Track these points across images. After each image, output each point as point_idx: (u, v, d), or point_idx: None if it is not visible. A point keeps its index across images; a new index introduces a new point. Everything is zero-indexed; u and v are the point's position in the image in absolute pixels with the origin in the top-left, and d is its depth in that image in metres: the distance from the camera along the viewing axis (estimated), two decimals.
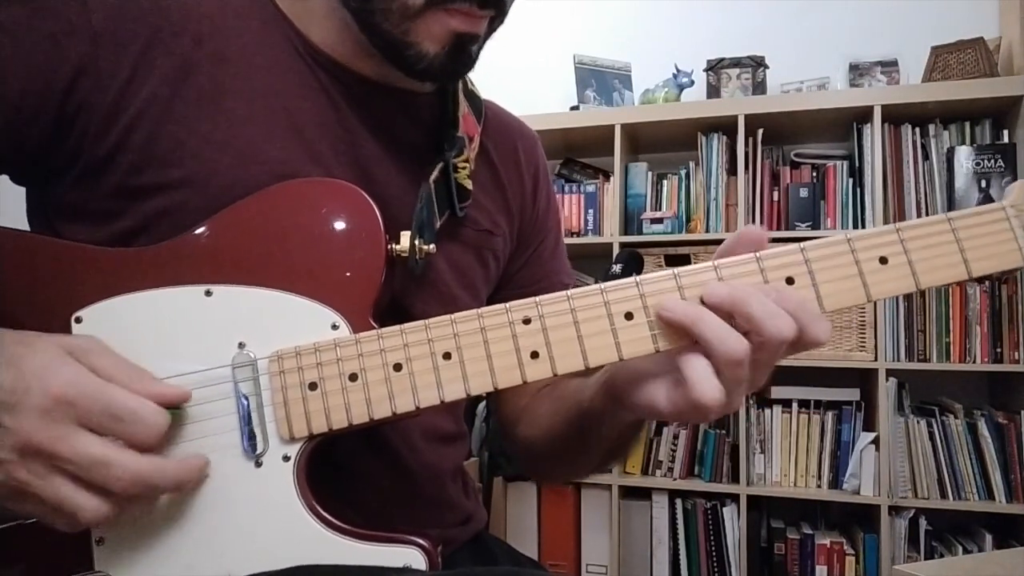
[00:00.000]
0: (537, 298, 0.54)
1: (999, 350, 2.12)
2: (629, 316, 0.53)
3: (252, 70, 0.64)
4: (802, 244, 0.54)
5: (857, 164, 2.28)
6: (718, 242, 0.60)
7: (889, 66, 2.38)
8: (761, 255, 0.53)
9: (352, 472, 0.67)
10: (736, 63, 2.46)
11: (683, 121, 2.38)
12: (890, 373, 2.15)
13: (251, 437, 0.55)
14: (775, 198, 2.36)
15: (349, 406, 0.54)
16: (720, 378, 0.51)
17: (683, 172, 2.46)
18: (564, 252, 0.89)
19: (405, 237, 0.61)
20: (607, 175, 2.53)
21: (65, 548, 0.53)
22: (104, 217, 0.61)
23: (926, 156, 2.26)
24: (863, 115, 2.26)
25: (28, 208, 0.67)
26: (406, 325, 0.55)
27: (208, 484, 0.54)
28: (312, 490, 0.55)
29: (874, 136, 2.22)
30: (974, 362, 2.14)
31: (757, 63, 2.45)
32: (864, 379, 2.26)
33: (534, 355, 0.54)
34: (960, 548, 2.12)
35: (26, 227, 0.66)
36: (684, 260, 2.23)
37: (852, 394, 2.25)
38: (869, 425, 2.20)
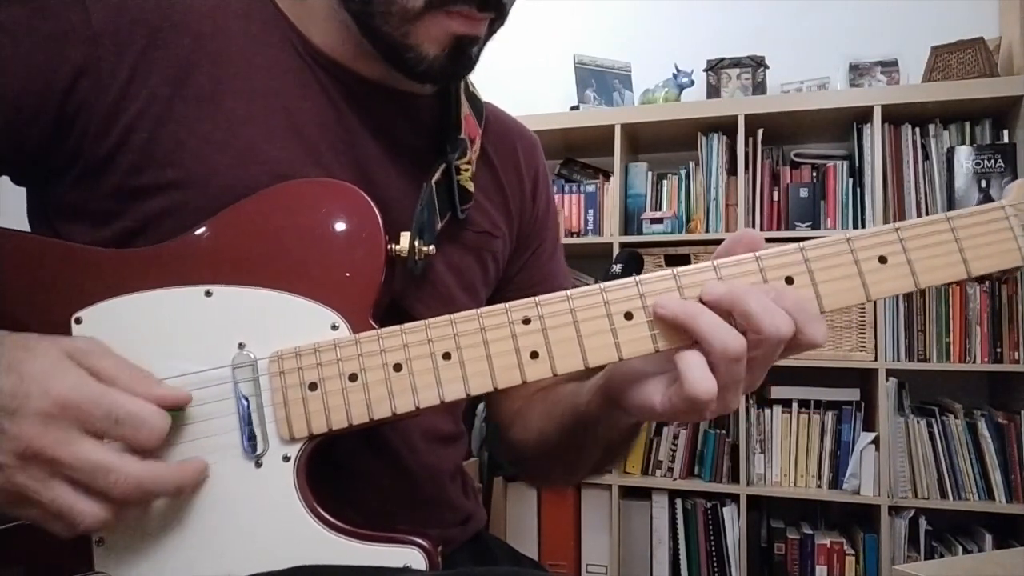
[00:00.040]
0: (537, 298, 0.54)
1: (999, 350, 2.12)
2: (629, 316, 0.53)
3: (252, 70, 0.64)
4: (801, 244, 0.54)
5: (857, 164, 2.28)
6: (718, 242, 0.60)
7: (889, 66, 2.38)
8: (760, 255, 0.53)
9: (352, 472, 0.67)
10: (736, 63, 2.46)
11: (683, 121, 2.38)
12: (890, 373, 2.15)
13: (251, 437, 0.55)
14: (775, 198, 2.36)
15: (349, 406, 0.54)
16: (716, 374, 0.50)
17: (683, 172, 2.46)
18: (562, 256, 0.89)
19: (404, 238, 0.61)
20: (607, 175, 2.53)
21: (65, 548, 0.53)
22: (104, 217, 0.61)
23: (926, 156, 2.26)
24: (863, 115, 2.26)
25: (28, 208, 0.67)
26: (406, 325, 0.55)
27: (208, 484, 0.54)
28: (312, 490, 0.55)
29: (874, 136, 2.22)
30: (974, 362, 2.14)
31: (757, 63, 2.45)
32: (864, 379, 2.26)
33: (534, 355, 0.54)
34: (960, 548, 2.12)
35: (26, 227, 0.66)
36: (684, 260, 2.23)
37: (852, 394, 2.25)
38: (869, 425, 2.20)
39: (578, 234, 2.50)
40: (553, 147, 2.58)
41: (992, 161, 2.16)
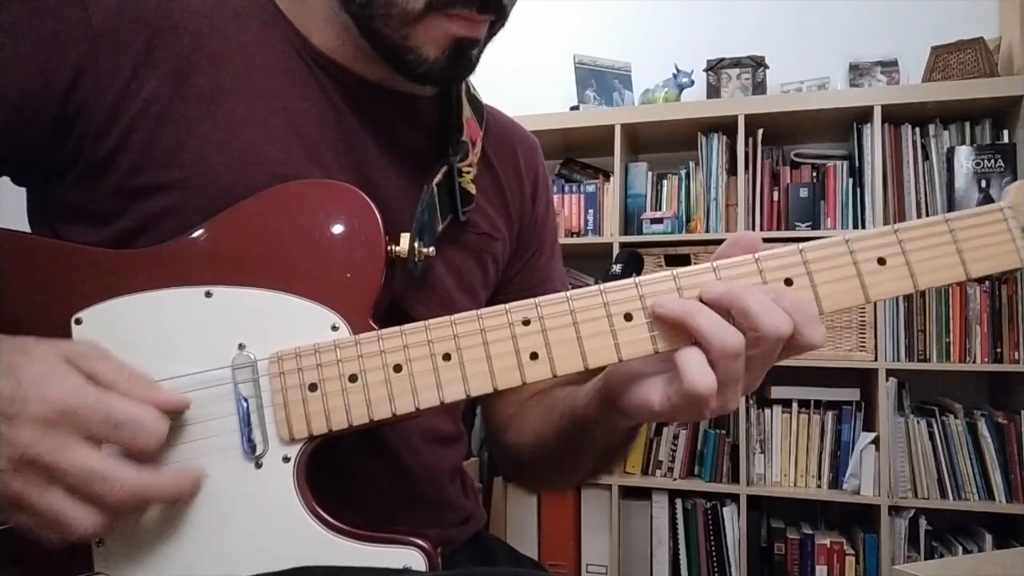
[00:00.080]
0: (536, 299, 0.54)
1: (999, 350, 2.12)
2: (628, 317, 0.53)
3: (252, 70, 0.64)
4: (800, 245, 0.54)
5: (857, 164, 2.28)
6: (718, 242, 0.60)
7: (889, 66, 2.38)
8: (760, 257, 0.54)
9: (352, 473, 0.67)
10: (736, 63, 2.46)
11: (683, 121, 2.38)
12: (890, 373, 2.15)
13: (251, 438, 0.55)
14: (775, 198, 2.36)
15: (349, 407, 0.55)
16: (714, 371, 0.50)
17: (683, 172, 2.46)
18: (560, 259, 0.89)
19: (404, 239, 0.61)
20: (607, 175, 2.53)
21: (64, 549, 0.53)
22: (104, 217, 0.61)
23: (926, 156, 2.26)
24: (863, 115, 2.26)
25: (28, 208, 0.67)
26: (406, 326, 0.55)
27: (208, 485, 0.54)
28: (312, 491, 0.55)
29: (874, 136, 2.22)
30: (974, 362, 2.14)
31: (757, 63, 2.45)
32: (864, 379, 2.25)
33: (533, 356, 0.54)
34: (960, 548, 2.12)
35: (26, 228, 0.66)
36: (684, 260, 2.23)
37: (852, 394, 2.25)
38: (869, 425, 2.20)
39: (578, 234, 2.50)
40: (553, 147, 2.58)
41: (992, 161, 2.16)
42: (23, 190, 0.66)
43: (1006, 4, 2.34)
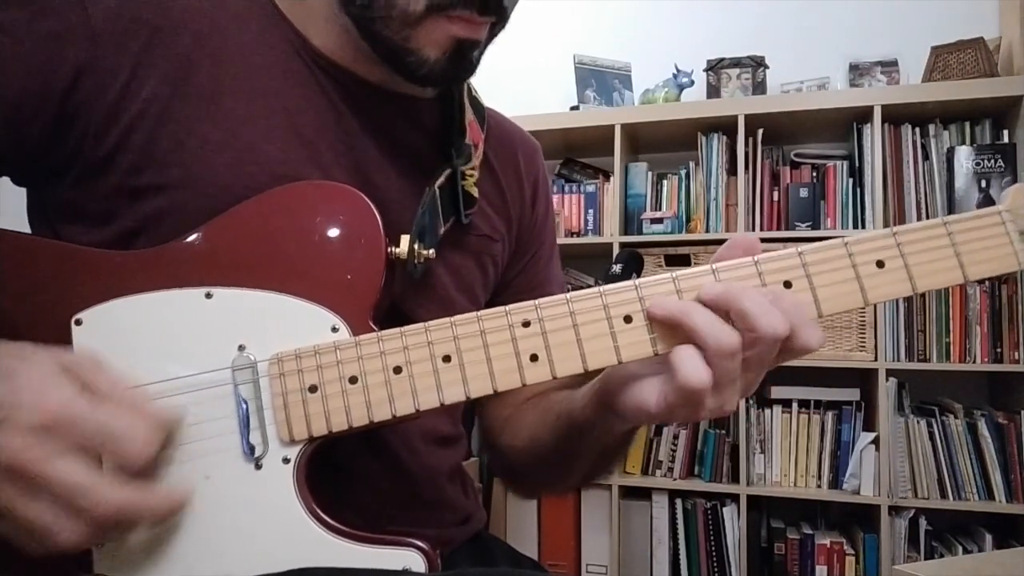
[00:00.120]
0: (536, 301, 0.54)
1: (999, 350, 2.12)
2: (628, 319, 0.53)
3: (251, 70, 0.64)
4: (799, 248, 0.54)
5: (857, 164, 2.28)
6: (718, 242, 0.60)
7: (889, 66, 2.38)
8: (759, 259, 0.54)
9: (351, 474, 0.67)
10: (736, 63, 2.46)
11: (683, 121, 2.38)
12: (890, 373, 2.15)
13: (251, 440, 0.55)
14: (775, 198, 2.35)
15: (349, 408, 0.55)
16: (711, 369, 0.50)
17: (683, 172, 2.46)
18: (558, 262, 0.89)
19: (404, 241, 0.61)
20: (607, 175, 2.53)
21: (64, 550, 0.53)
22: (104, 217, 0.61)
23: (926, 156, 2.26)
24: (863, 115, 2.26)
25: (28, 208, 0.67)
26: (406, 328, 0.55)
27: (208, 486, 0.54)
28: (312, 492, 0.55)
29: (874, 136, 2.22)
30: (974, 362, 2.14)
31: (757, 63, 2.45)
32: (864, 379, 2.26)
33: (533, 358, 0.54)
34: (960, 548, 2.12)
35: (26, 228, 0.66)
36: (684, 260, 2.23)
37: (852, 394, 2.25)
38: (869, 425, 2.20)
39: (578, 234, 2.50)
40: (553, 147, 2.58)
41: (992, 161, 2.16)
42: (23, 190, 0.66)
43: (1006, 4, 2.34)
